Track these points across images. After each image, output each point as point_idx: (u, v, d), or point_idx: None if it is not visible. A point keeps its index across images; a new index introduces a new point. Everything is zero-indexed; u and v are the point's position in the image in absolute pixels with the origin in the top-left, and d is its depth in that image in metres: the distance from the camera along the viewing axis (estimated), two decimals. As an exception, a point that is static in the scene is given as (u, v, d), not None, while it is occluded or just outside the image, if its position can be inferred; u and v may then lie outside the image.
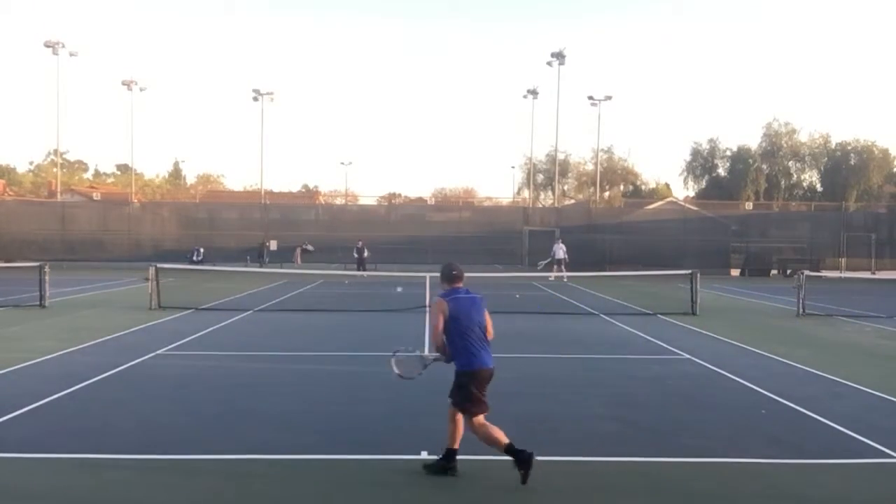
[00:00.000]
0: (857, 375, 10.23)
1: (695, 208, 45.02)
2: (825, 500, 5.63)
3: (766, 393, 9.06)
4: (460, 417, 5.77)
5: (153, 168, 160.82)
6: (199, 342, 12.72)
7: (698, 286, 18.47)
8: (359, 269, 31.10)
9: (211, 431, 6.60)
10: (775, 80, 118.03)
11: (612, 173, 67.11)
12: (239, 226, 41.76)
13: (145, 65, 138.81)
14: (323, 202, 63.65)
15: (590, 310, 18.97)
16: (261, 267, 35.67)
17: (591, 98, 47.17)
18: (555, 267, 30.61)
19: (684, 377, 10.17)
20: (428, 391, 9.02)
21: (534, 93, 51.03)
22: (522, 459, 5.51)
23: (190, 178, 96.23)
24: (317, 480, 5.80)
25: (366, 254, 31.91)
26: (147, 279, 18.22)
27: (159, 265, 19.08)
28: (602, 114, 48.93)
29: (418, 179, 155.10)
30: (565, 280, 29.25)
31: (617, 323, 16.21)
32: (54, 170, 56.74)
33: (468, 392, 5.67)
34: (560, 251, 30.68)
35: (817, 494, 5.71)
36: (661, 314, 17.76)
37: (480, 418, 5.70)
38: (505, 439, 5.61)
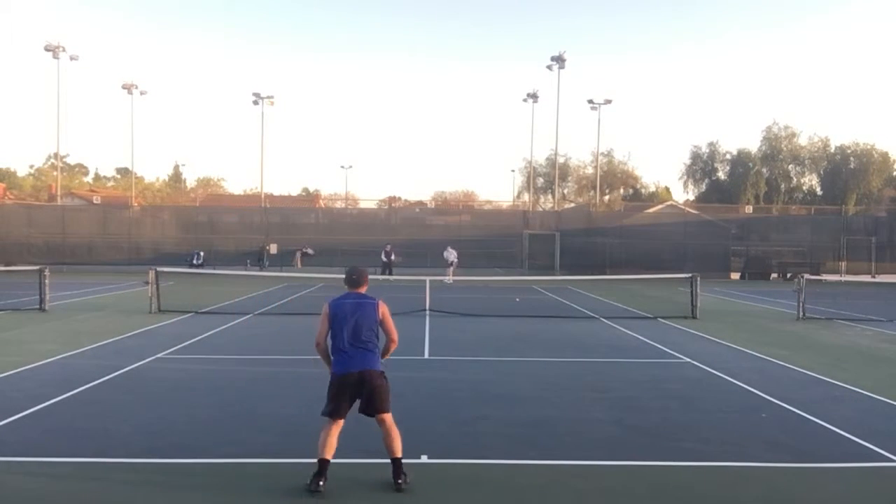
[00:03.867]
0: (857, 379, 10.24)
1: (695, 212, 44.98)
2: (825, 503, 5.63)
3: (766, 396, 9.07)
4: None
5: (153, 172, 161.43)
6: (199, 346, 12.72)
7: (698, 290, 18.48)
8: (384, 273, 29.98)
9: (211, 435, 6.59)
10: (775, 84, 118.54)
11: (612, 177, 67.06)
12: (239, 229, 41.79)
13: (146, 68, 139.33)
14: (323, 205, 63.63)
15: (590, 313, 18.98)
16: (261, 270, 35.66)
17: (591, 102, 47.18)
18: (449, 270, 30.83)
19: (684, 381, 10.18)
20: (428, 396, 9.05)
21: (534, 96, 51.09)
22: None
23: (190, 182, 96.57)
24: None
25: (393, 257, 31.46)
26: (147, 283, 18.24)
27: (159, 269, 19.08)
28: (602, 117, 48.97)
29: (418, 183, 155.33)
30: (452, 282, 28.36)
31: (617, 326, 16.21)
32: (54, 173, 56.80)
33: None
34: (451, 255, 31.26)
35: (817, 498, 5.71)
36: (662, 318, 17.77)
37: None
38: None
